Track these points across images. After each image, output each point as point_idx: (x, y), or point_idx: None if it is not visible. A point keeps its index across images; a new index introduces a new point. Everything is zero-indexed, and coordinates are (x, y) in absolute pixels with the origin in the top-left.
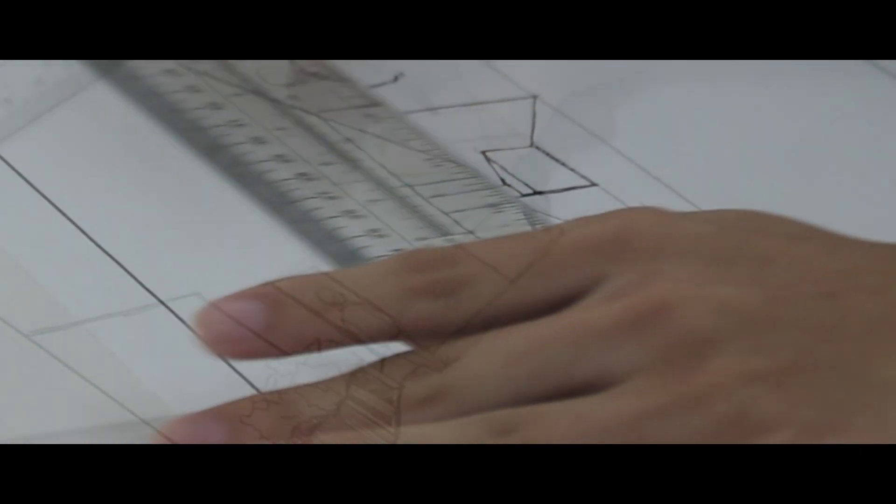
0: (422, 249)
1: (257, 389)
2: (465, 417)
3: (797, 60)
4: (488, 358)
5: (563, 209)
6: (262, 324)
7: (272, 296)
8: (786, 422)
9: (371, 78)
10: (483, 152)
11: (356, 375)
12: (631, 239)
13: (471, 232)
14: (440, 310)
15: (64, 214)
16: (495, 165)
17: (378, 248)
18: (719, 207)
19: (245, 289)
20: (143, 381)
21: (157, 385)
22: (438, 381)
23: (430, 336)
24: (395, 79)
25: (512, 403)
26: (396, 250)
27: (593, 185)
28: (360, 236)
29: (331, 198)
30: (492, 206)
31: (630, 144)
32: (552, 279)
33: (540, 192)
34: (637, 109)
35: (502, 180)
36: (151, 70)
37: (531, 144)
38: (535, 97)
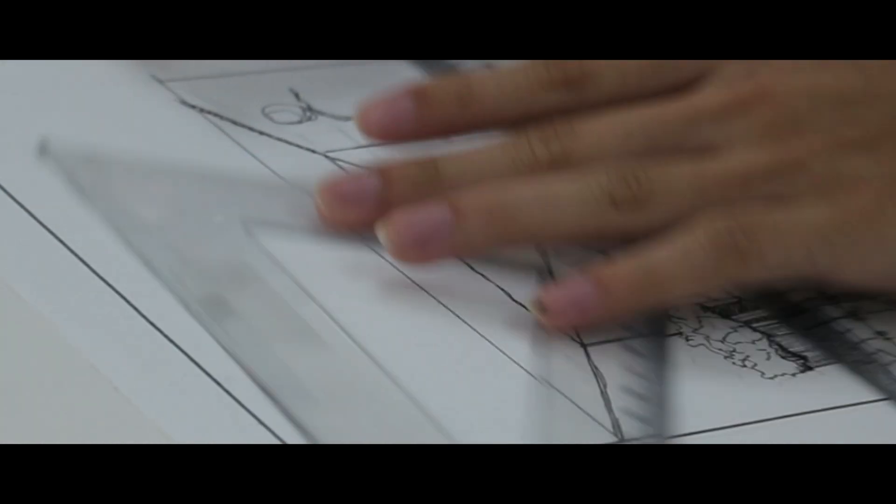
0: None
1: (253, 414)
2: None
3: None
4: (611, 128)
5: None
6: (410, 115)
7: (419, 91)
8: (875, 175)
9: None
10: None
11: (497, 143)
12: None
13: None
14: (567, 99)
15: None
16: None
17: None
18: None
19: (399, 89)
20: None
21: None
22: (564, 145)
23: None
24: None
25: None
26: None
27: None
28: None
29: None
30: None
31: None
32: (668, 72)
33: None
34: None
35: None
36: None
37: None
38: None
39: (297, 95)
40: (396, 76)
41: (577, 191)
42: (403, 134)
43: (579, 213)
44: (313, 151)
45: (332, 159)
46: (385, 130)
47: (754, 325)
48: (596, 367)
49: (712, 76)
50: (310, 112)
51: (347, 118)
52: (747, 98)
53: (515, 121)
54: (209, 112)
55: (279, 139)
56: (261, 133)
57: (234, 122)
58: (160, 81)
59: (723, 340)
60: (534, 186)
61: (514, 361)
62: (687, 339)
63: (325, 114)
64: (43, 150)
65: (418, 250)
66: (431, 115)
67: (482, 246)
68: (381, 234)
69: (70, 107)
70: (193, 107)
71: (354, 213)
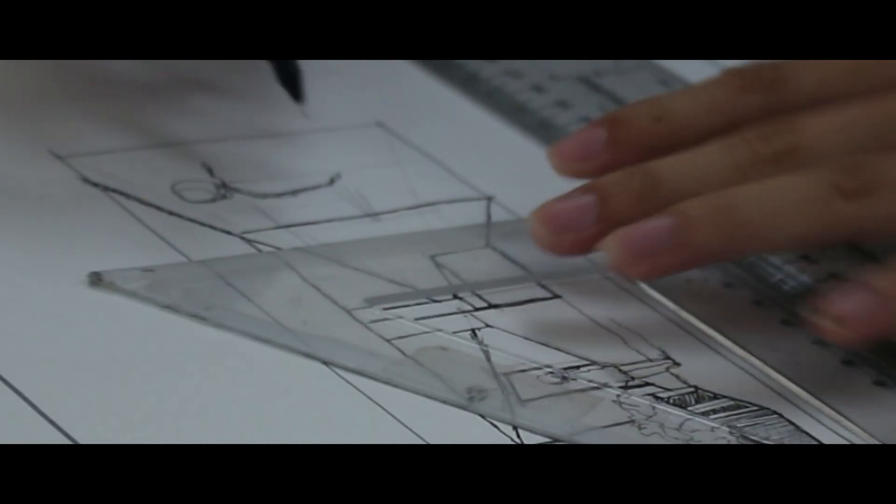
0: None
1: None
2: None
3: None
4: (834, 122)
5: (523, 324)
6: (604, 140)
7: (610, 118)
8: None
9: (304, 180)
10: (432, 256)
11: (713, 146)
12: None
13: None
14: (766, 103)
15: None
16: (446, 272)
17: None
18: None
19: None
20: None
21: None
22: (787, 140)
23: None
24: (331, 181)
25: None
26: None
27: (556, 297)
28: None
29: None
30: None
31: None
32: (868, 74)
33: (496, 306)
34: None
35: (455, 295)
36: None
37: (486, 245)
38: (489, 198)
39: (210, 171)
40: (321, 154)
41: (802, 185)
42: (600, 161)
43: (807, 209)
44: (229, 233)
45: (250, 241)
46: (581, 159)
47: (713, 416)
48: None
49: None
50: (224, 189)
51: (266, 195)
52: None
53: (714, 131)
54: (114, 190)
55: (191, 220)
56: (171, 213)
57: (141, 202)
58: (59, 157)
59: (678, 428)
60: (757, 186)
61: None
62: (640, 428)
63: (241, 191)
64: (95, 281)
65: (645, 263)
66: (627, 135)
67: (711, 252)
68: (607, 251)
69: None
70: (96, 185)
71: (576, 237)
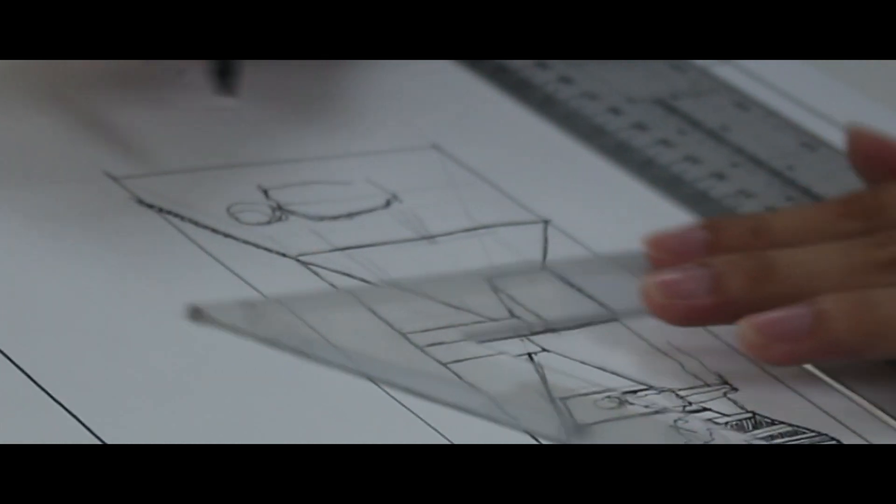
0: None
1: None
2: None
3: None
4: None
5: (580, 348)
6: (704, 242)
7: (713, 223)
8: None
9: (360, 203)
10: (489, 279)
11: (829, 244)
12: None
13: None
14: (866, 227)
15: None
16: (502, 295)
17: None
18: None
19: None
20: None
21: None
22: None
23: None
24: (387, 203)
25: None
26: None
27: (613, 320)
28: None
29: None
30: None
31: None
32: None
33: (552, 330)
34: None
35: (510, 312)
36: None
37: (543, 268)
38: (546, 221)
39: (265, 193)
40: (377, 176)
41: None
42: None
43: None
44: (284, 255)
45: (305, 264)
46: (678, 254)
47: (771, 442)
48: None
49: None
50: (280, 211)
51: (321, 218)
52: None
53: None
54: (169, 212)
55: (246, 242)
56: (226, 235)
57: (196, 224)
58: (114, 178)
59: None
60: (891, 288)
61: None
62: None
63: (296, 213)
64: (195, 315)
65: (779, 347)
66: (726, 242)
67: (845, 346)
68: (740, 333)
69: (11, 207)
70: (151, 206)
71: (688, 304)
